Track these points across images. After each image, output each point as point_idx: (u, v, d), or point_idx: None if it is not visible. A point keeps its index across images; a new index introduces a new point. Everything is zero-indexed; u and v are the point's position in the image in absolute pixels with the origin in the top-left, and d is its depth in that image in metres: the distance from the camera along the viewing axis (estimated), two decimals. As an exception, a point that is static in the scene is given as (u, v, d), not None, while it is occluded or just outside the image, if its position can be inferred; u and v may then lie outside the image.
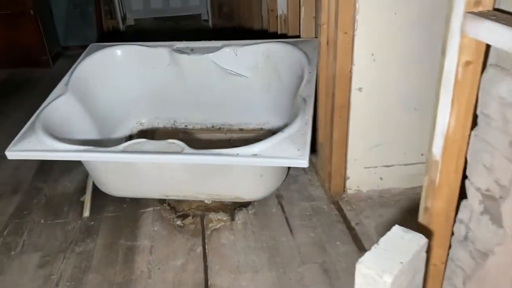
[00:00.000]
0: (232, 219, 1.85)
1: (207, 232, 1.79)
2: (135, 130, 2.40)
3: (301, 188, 2.00)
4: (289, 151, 1.54)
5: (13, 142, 1.71)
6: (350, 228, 1.77)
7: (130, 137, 2.34)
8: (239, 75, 2.20)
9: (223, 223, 1.83)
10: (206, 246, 1.72)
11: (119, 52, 2.25)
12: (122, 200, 1.98)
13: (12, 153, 1.68)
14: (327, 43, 1.72)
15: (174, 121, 2.43)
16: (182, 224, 1.85)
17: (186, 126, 2.41)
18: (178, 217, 1.90)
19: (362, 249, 1.65)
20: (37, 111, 1.86)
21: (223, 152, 1.58)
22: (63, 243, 1.79)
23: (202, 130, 2.36)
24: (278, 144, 1.57)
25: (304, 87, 1.83)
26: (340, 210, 1.87)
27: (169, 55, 2.22)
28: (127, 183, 1.91)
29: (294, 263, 1.63)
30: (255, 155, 1.55)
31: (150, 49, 2.24)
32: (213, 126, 2.39)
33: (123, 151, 1.63)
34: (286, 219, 1.83)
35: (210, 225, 1.83)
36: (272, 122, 2.29)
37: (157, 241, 1.77)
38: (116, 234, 1.82)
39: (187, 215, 1.90)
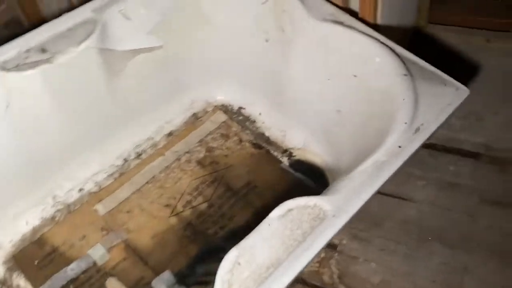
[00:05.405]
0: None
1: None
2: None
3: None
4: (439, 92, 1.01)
5: None
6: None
7: None
8: (146, 49, 1.25)
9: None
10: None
11: None
12: None
13: None
14: None
15: (55, 197, 1.28)
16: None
17: (81, 189, 1.31)
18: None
19: None
20: None
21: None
22: None
23: (119, 179, 1.33)
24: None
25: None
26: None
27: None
28: None
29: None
30: (417, 130, 0.96)
31: None
32: (125, 160, 1.39)
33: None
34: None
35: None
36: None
37: None
38: None
39: None
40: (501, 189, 1.31)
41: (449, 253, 1.20)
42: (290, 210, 0.84)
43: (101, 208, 1.28)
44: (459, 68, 1.65)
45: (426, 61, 1.10)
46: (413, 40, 1.73)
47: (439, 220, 1.27)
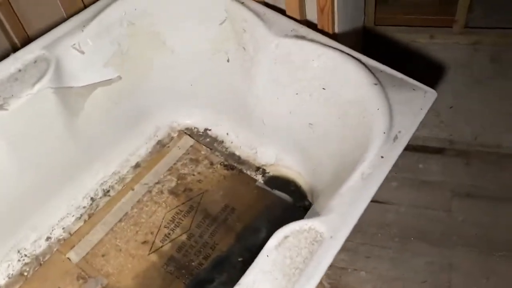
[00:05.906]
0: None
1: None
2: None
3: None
4: (410, 97, 1.03)
5: None
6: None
7: None
8: (104, 82, 1.17)
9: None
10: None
11: None
12: None
13: None
14: None
15: (20, 250, 1.17)
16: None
17: (49, 237, 1.21)
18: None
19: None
20: None
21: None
22: None
23: (89, 221, 1.25)
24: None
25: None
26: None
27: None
28: None
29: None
30: (395, 138, 0.96)
31: None
32: (93, 200, 1.31)
33: None
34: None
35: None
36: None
37: None
38: None
39: None
40: (469, 181, 1.36)
41: (433, 251, 1.23)
42: (286, 237, 0.82)
43: (73, 255, 1.19)
44: (410, 66, 1.71)
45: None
46: (363, 43, 1.78)
47: (418, 219, 1.30)
